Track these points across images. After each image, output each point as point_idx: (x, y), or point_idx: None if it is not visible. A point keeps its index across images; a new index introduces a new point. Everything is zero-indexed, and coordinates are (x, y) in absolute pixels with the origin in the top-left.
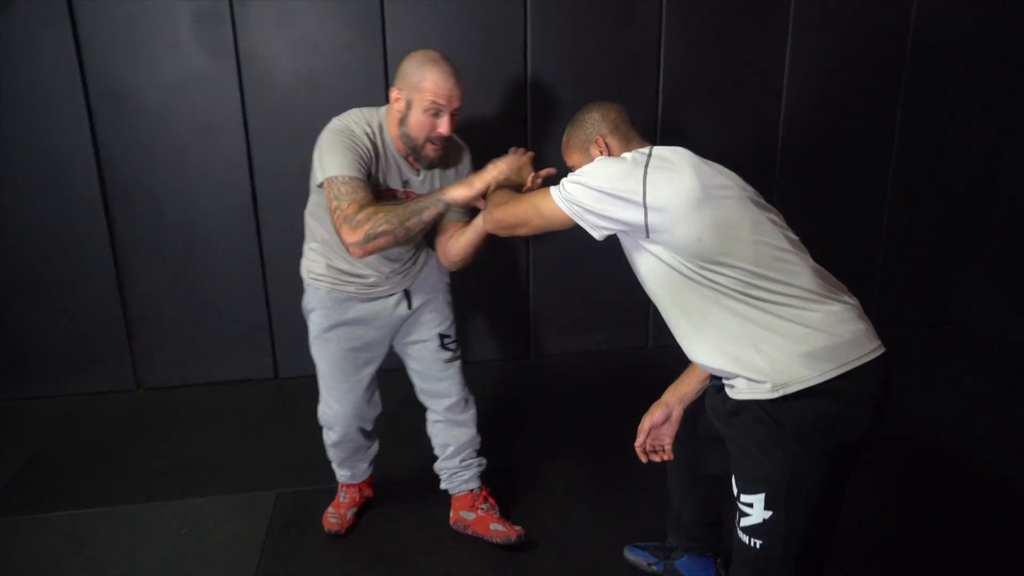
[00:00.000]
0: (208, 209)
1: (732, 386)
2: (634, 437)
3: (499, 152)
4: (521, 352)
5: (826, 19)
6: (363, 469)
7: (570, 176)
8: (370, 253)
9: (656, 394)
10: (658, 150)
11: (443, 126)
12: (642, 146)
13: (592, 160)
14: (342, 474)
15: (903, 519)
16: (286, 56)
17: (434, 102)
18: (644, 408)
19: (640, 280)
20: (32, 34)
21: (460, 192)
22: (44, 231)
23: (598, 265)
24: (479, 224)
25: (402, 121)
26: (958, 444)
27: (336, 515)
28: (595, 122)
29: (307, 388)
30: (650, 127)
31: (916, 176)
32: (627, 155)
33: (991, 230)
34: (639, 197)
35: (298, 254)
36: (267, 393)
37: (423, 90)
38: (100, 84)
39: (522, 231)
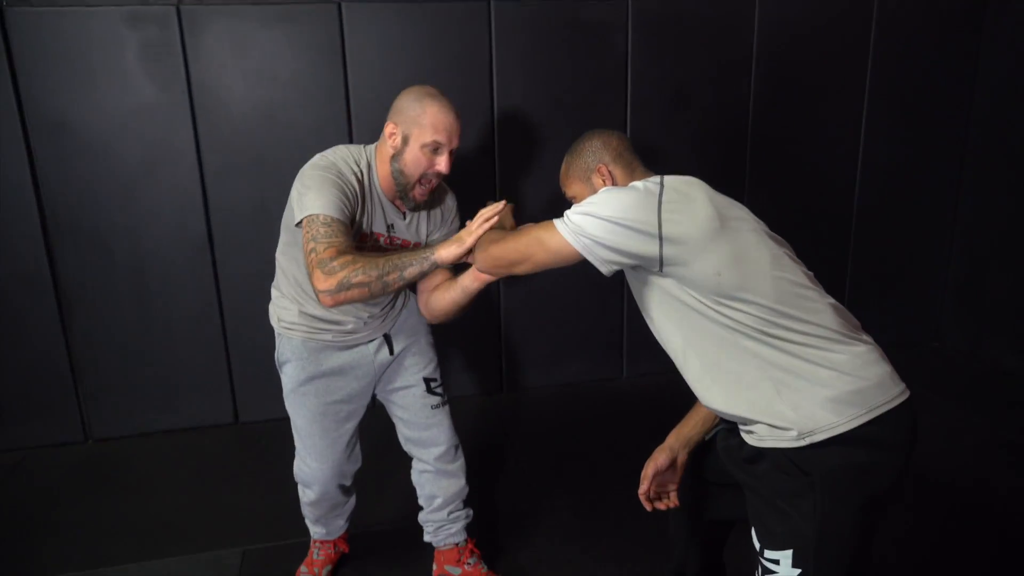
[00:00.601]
0: (160, 247)
1: (751, 432)
2: (620, 473)
3: (466, 185)
4: (494, 387)
5: (788, 29)
6: (339, 525)
7: (574, 208)
8: (341, 304)
9: (636, 426)
10: (670, 180)
11: (442, 164)
12: (646, 174)
13: (595, 190)
14: (316, 531)
15: (881, 548)
16: (242, 86)
17: (435, 139)
18: (625, 442)
19: (648, 319)
20: None
21: (449, 252)
22: None
23: (570, 294)
24: (466, 283)
25: (395, 157)
26: (934, 466)
27: (310, 574)
28: (596, 150)
29: (270, 431)
30: None
31: (882, 190)
32: (638, 184)
33: (959, 247)
34: (654, 228)
35: (258, 291)
36: (227, 439)
37: (423, 125)
38: (39, 116)
39: (521, 268)
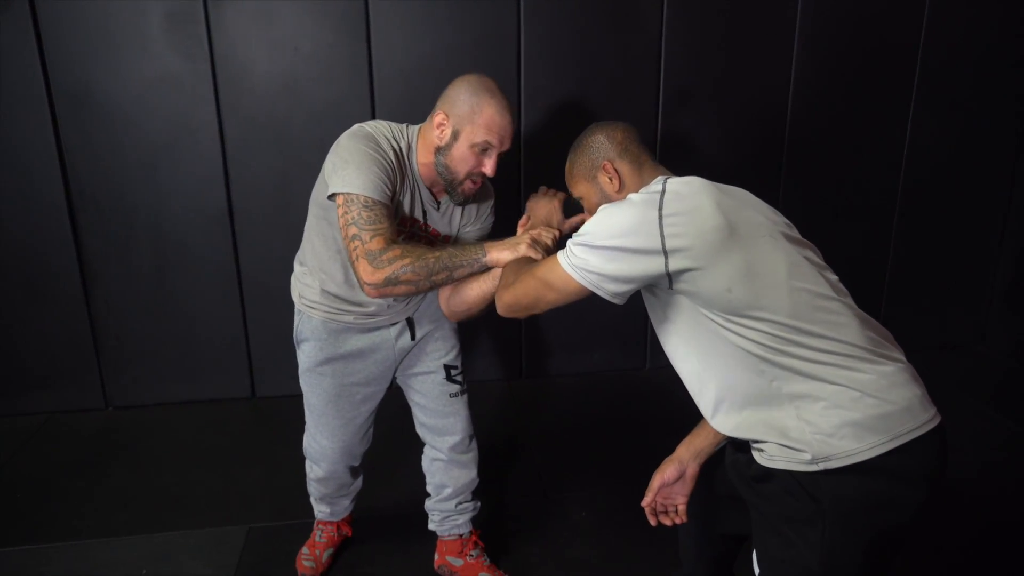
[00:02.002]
0: (181, 218)
1: (761, 450)
2: (638, 470)
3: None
4: (513, 373)
5: (833, 19)
6: (344, 506)
7: (574, 237)
8: (385, 296)
9: (656, 420)
10: (673, 184)
11: (489, 167)
12: (655, 169)
13: (602, 189)
14: (321, 511)
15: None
16: (264, 58)
17: (486, 139)
18: (645, 437)
19: (664, 342)
20: None
21: (503, 256)
22: (6, 239)
23: None
24: (498, 275)
25: (441, 150)
26: (973, 477)
27: (311, 556)
28: (600, 145)
29: (285, 408)
30: (651, 133)
31: (927, 188)
32: (634, 197)
33: (1009, 247)
34: (658, 243)
35: (277, 266)
36: (243, 413)
37: (476, 123)
38: (64, 85)
39: (538, 310)
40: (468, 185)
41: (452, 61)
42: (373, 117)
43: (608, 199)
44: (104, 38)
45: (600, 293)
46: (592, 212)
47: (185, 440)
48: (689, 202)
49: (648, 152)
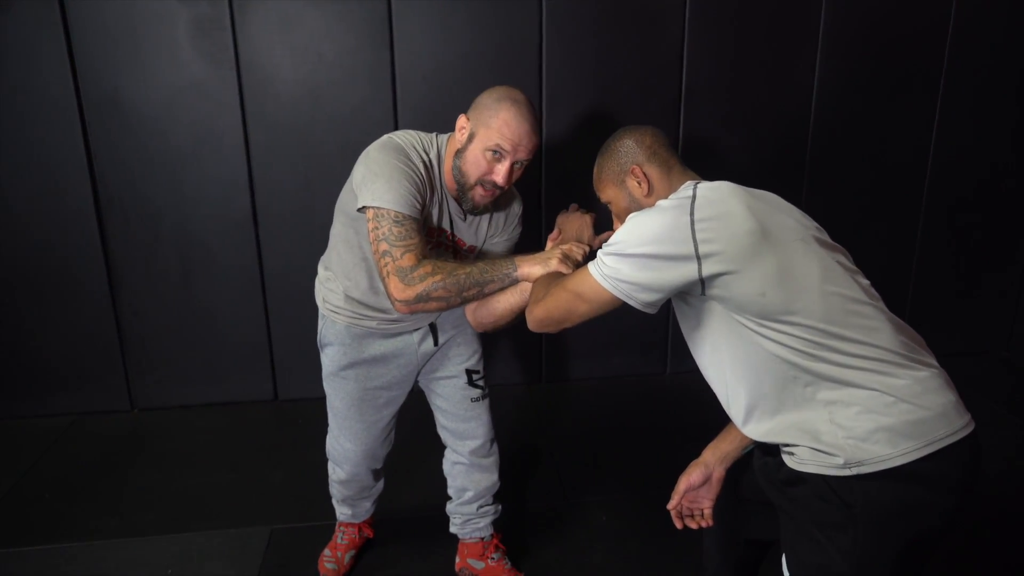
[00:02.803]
0: (206, 223)
1: (791, 453)
2: (659, 475)
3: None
4: (533, 377)
5: (858, 22)
6: (366, 508)
7: (605, 247)
8: (416, 313)
9: (677, 426)
10: (703, 190)
11: (499, 174)
12: (684, 174)
13: (631, 193)
14: (343, 512)
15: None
16: (289, 64)
17: (498, 143)
18: (664, 441)
19: (694, 350)
20: (24, 39)
21: (534, 271)
22: (35, 242)
23: None
24: (527, 288)
25: (459, 152)
26: (1000, 488)
27: (332, 559)
28: (629, 150)
29: (307, 411)
30: (673, 137)
31: (952, 193)
32: (663, 203)
33: None
34: (691, 248)
35: (301, 270)
36: (265, 416)
37: (490, 126)
38: (94, 91)
39: (570, 323)
40: (479, 192)
41: (475, 67)
42: (396, 123)
43: (637, 203)
44: (133, 45)
45: (632, 303)
46: (621, 217)
47: (209, 442)
48: (721, 207)
49: (677, 156)
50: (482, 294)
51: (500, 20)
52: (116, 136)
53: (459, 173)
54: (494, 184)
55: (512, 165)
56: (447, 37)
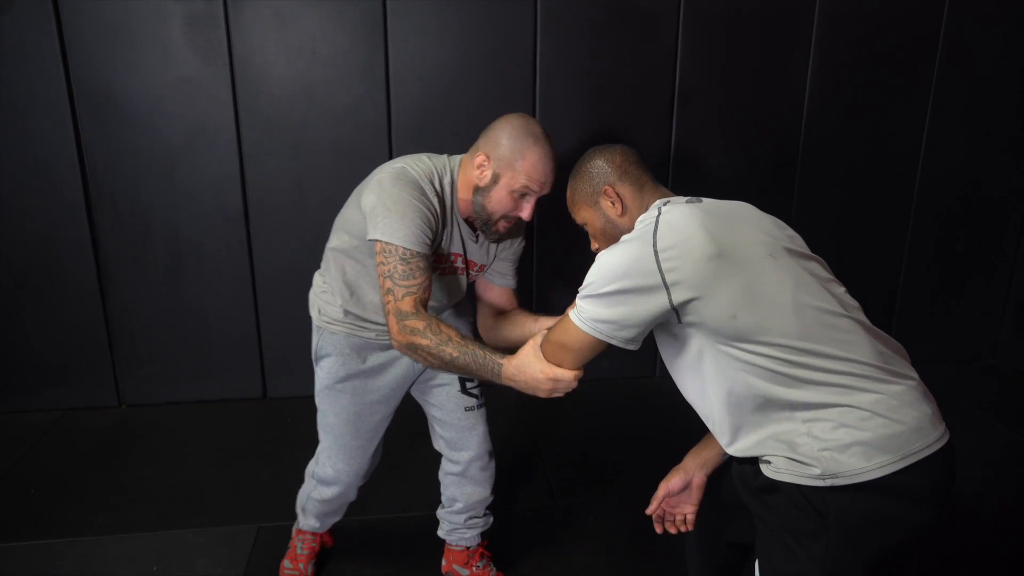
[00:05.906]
0: (197, 220)
1: (768, 462)
2: (647, 478)
3: None
4: None
5: (850, 29)
6: (335, 520)
7: (580, 290)
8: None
9: (665, 428)
10: (667, 214)
11: (527, 212)
12: (656, 190)
13: (605, 215)
14: (310, 524)
15: None
16: (282, 62)
17: (526, 185)
18: (652, 444)
19: (675, 376)
20: (16, 34)
21: (518, 379)
22: (26, 237)
23: None
24: (542, 324)
25: (480, 191)
26: (983, 494)
27: (294, 569)
28: (600, 171)
29: (295, 409)
30: (664, 145)
31: (941, 201)
32: (627, 236)
33: (1021, 261)
34: (658, 279)
35: (291, 268)
36: (254, 414)
37: (517, 170)
38: (86, 87)
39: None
40: (502, 224)
41: (469, 68)
42: (389, 123)
43: (612, 223)
44: (126, 40)
45: (614, 342)
46: (597, 237)
47: (196, 439)
48: (682, 233)
49: (648, 173)
50: (462, 373)
51: (494, 21)
52: (108, 131)
53: (482, 209)
54: (519, 218)
55: (536, 200)
56: (442, 38)
